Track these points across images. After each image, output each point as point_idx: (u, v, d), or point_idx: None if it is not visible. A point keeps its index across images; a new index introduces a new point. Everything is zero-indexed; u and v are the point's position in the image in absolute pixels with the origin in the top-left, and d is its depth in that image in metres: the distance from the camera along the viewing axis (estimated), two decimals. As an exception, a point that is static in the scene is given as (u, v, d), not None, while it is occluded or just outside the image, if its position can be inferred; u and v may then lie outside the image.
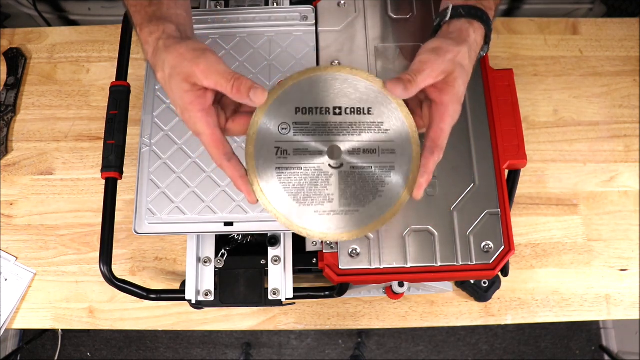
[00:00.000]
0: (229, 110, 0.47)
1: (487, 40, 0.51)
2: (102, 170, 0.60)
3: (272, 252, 0.61)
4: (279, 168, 0.45)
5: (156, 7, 0.48)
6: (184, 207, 0.59)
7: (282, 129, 0.46)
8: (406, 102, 0.47)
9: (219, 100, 0.47)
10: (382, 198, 0.46)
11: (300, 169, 0.46)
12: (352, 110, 0.47)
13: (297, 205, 0.45)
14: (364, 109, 0.47)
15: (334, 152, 0.46)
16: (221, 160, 0.44)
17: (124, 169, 0.62)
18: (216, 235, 0.63)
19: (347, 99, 0.47)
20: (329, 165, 0.46)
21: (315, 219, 0.45)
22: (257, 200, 0.45)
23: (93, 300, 0.75)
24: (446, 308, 0.74)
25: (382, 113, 0.47)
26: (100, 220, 0.59)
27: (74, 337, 1.60)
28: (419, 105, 0.49)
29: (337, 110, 0.46)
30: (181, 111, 0.45)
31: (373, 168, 0.46)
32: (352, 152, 0.46)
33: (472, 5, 0.50)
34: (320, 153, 0.46)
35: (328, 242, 0.57)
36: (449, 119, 0.46)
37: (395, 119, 0.47)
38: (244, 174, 0.45)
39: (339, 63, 0.63)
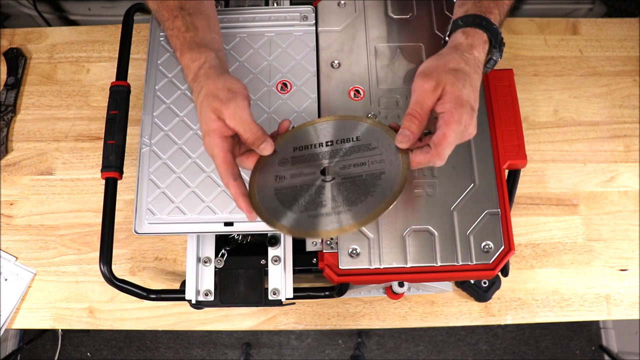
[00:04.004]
0: (244, 147, 0.52)
1: (492, 43, 0.51)
2: (102, 170, 0.60)
3: (272, 252, 0.61)
4: (277, 189, 0.51)
5: (193, 32, 0.53)
6: (184, 207, 0.59)
7: (282, 163, 0.53)
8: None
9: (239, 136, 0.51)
10: (373, 197, 0.48)
11: (296, 187, 0.51)
12: (342, 140, 0.53)
13: (292, 214, 0.49)
14: (352, 137, 0.52)
15: (326, 170, 0.51)
16: (228, 179, 0.49)
17: (124, 169, 0.62)
18: (216, 235, 0.63)
19: (337, 134, 0.53)
20: (322, 180, 0.51)
21: (309, 222, 0.48)
22: (257, 217, 0.50)
23: (93, 300, 0.75)
24: (446, 308, 0.74)
25: (369, 137, 0.52)
26: (100, 220, 0.59)
27: (74, 337, 1.60)
28: (434, 122, 0.49)
29: (329, 142, 0.53)
30: (204, 134, 0.50)
31: (364, 176, 0.50)
32: (343, 167, 0.51)
33: (469, 14, 0.51)
34: (314, 173, 0.51)
35: (328, 242, 0.57)
36: (454, 125, 0.46)
37: (381, 138, 0.51)
38: (245, 193, 0.49)
39: (339, 64, 0.63)
